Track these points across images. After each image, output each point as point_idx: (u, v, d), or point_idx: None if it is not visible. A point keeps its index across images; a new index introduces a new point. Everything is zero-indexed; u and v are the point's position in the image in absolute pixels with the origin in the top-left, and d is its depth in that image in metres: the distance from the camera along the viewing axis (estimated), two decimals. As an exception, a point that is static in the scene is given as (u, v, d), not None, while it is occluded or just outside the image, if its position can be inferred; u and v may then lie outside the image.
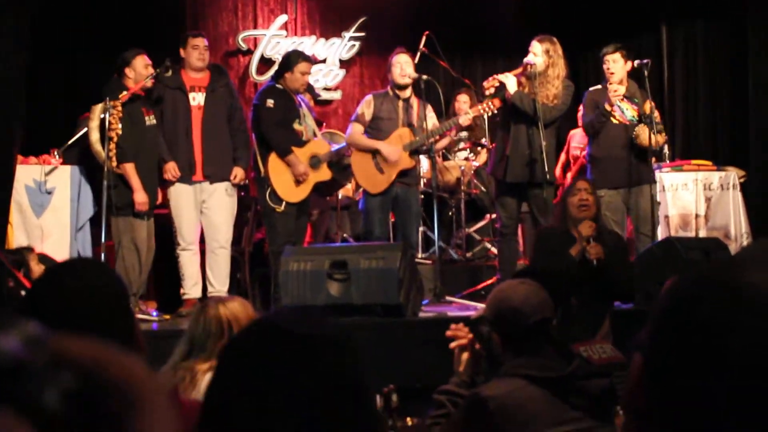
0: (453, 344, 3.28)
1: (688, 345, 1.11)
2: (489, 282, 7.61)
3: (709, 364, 1.08)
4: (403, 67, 7.29)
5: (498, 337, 3.06)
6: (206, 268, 7.13)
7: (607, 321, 5.34)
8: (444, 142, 7.63)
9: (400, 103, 7.34)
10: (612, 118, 7.24)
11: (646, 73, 7.29)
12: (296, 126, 7.21)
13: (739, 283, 1.12)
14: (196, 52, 7.17)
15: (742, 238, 8.19)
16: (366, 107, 7.38)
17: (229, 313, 3.24)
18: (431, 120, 7.40)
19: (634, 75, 7.42)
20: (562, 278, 5.03)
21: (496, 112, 7.19)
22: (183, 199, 7.03)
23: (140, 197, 6.78)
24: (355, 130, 7.36)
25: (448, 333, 3.25)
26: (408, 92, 7.39)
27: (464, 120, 7.23)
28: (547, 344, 3.03)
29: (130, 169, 6.78)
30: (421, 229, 8.54)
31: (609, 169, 7.24)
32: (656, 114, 7.42)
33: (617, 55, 7.32)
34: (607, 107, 7.14)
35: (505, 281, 3.36)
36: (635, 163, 7.22)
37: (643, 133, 7.17)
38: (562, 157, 9.04)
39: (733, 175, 8.41)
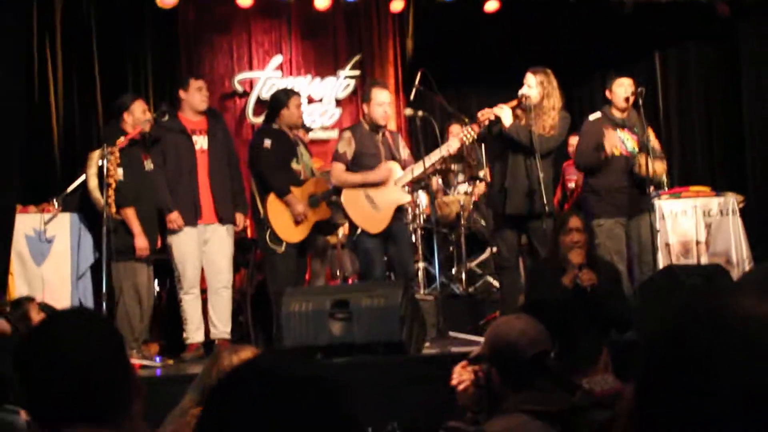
0: (454, 382, 3.26)
1: (677, 375, 1.11)
2: (492, 316, 7.58)
3: (698, 394, 1.08)
4: (386, 108, 7.26)
5: (497, 374, 3.05)
6: (209, 310, 7.11)
7: (606, 351, 5.29)
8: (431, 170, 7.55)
9: (379, 137, 7.31)
10: (615, 150, 7.22)
11: (641, 101, 7.31)
12: (294, 165, 7.22)
13: (727, 313, 1.12)
14: (200, 94, 7.18)
15: (743, 263, 8.18)
16: (346, 145, 7.25)
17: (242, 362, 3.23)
18: (405, 151, 7.39)
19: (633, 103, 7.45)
20: (558, 309, 5.02)
21: (477, 136, 7.16)
22: (187, 243, 7.00)
23: (141, 242, 6.77)
24: (339, 169, 7.25)
25: (453, 382, 3.23)
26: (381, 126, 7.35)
27: (452, 147, 7.19)
28: (546, 377, 3.02)
29: (130, 214, 6.78)
30: (422, 264, 8.54)
31: (609, 199, 7.23)
32: (655, 141, 7.43)
33: (630, 81, 7.33)
34: (605, 154, 7.12)
35: (501, 317, 3.34)
36: (634, 193, 7.21)
37: (643, 162, 7.17)
38: (558, 191, 9.06)
39: (732, 200, 8.41)
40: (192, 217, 6.98)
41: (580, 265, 5.60)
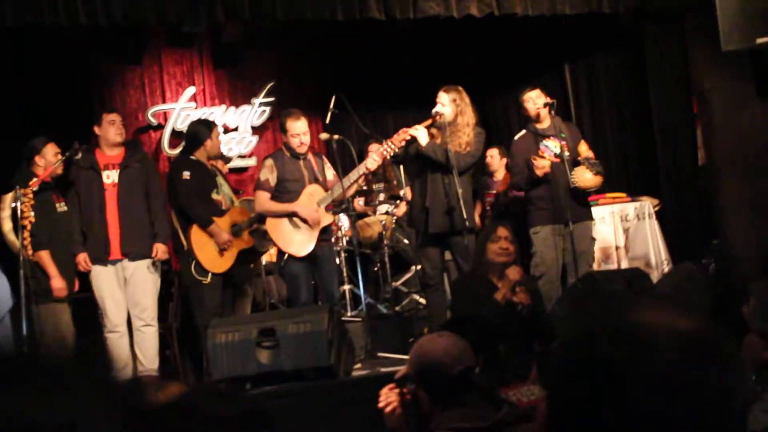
0: (381, 404, 3.26)
1: (585, 385, 1.13)
2: (420, 335, 7.61)
3: (605, 403, 1.11)
4: (301, 137, 7.23)
5: (424, 393, 3.06)
6: (134, 348, 7.01)
7: (534, 364, 5.35)
8: (352, 190, 7.55)
9: (302, 162, 7.30)
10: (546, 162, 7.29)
11: (552, 112, 7.43)
12: (214, 196, 7.18)
13: (631, 324, 1.14)
14: (113, 127, 7.08)
15: (662, 265, 8.34)
16: (269, 172, 7.26)
17: (169, 399, 3.20)
18: (329, 171, 7.40)
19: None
20: (485, 325, 5.06)
21: (398, 150, 7.20)
22: (104, 280, 6.91)
23: (57, 283, 6.67)
24: (263, 197, 7.26)
25: (380, 405, 3.22)
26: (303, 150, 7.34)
27: (371, 164, 7.21)
28: (473, 393, 3.04)
29: (45, 257, 6.68)
30: (347, 287, 8.54)
31: (544, 207, 7.31)
32: (589, 152, 7.53)
33: (538, 92, 7.45)
34: (538, 175, 7.22)
35: (422, 336, 3.36)
36: (571, 200, 7.27)
37: (580, 175, 7.26)
38: (478, 206, 9.14)
39: (648, 204, 8.59)
40: (102, 254, 6.89)
41: (516, 283, 5.65)
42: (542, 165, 7.19)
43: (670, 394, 1.08)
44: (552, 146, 7.38)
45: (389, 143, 7.12)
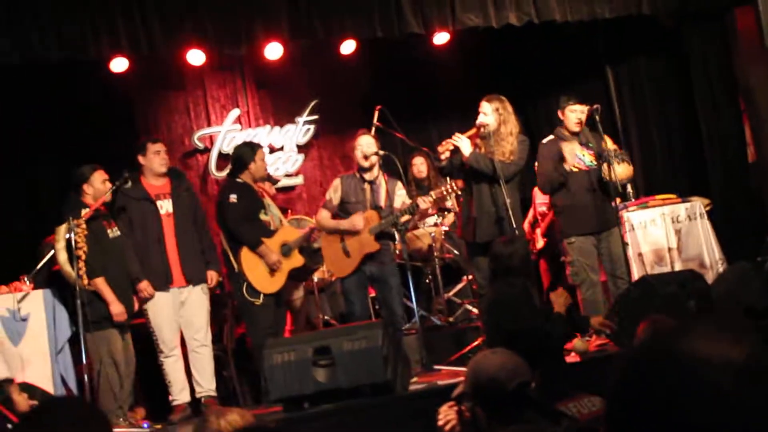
0: (440, 423, 3.26)
1: (638, 418, 1.14)
2: (474, 344, 7.59)
3: None
4: (363, 150, 7.32)
5: (481, 411, 3.06)
6: (191, 369, 7.08)
7: None
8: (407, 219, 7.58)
9: (366, 186, 7.37)
10: (573, 168, 7.31)
11: (597, 117, 7.40)
12: (262, 217, 7.24)
13: (682, 355, 1.14)
14: (158, 157, 7.18)
15: (717, 265, 8.25)
16: (333, 192, 7.45)
17: (230, 426, 3.25)
18: (400, 197, 7.42)
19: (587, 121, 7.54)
20: (536, 337, 5.05)
21: (459, 193, 7.26)
22: (162, 308, 7.00)
23: (116, 309, 6.74)
24: (323, 215, 7.44)
25: (440, 423, 3.23)
26: (375, 172, 7.41)
27: (423, 203, 7.25)
28: (530, 409, 3.03)
29: (101, 284, 6.75)
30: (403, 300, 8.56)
31: (576, 216, 7.32)
32: (614, 146, 7.52)
33: (583, 107, 7.46)
34: (567, 162, 7.22)
35: (477, 354, 3.36)
36: (601, 207, 7.30)
37: (606, 170, 7.25)
38: (530, 213, 9.12)
39: (699, 204, 8.49)
40: (163, 283, 6.98)
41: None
42: (572, 153, 7.16)
43: (725, 423, 1.08)
44: (581, 154, 7.38)
45: (448, 187, 7.16)
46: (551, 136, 7.60)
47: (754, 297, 7.21)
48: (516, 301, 5.79)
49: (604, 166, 7.27)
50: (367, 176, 7.38)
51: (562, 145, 7.38)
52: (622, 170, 7.34)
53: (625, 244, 7.53)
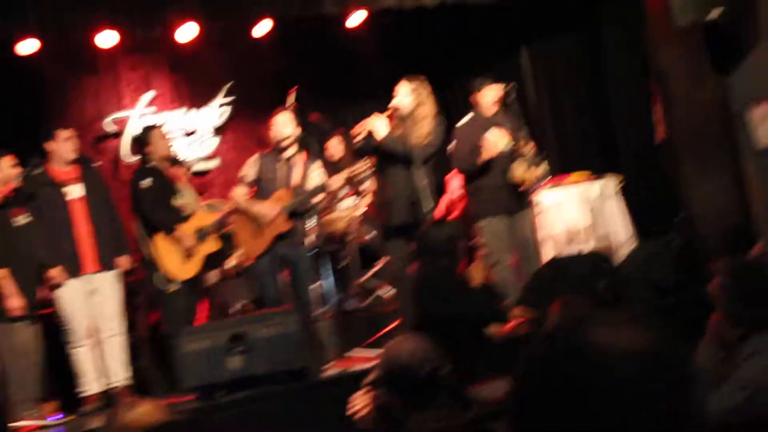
0: (356, 409, 3.25)
1: (542, 409, 1.14)
2: (391, 327, 7.61)
3: (568, 424, 1.11)
4: (279, 129, 7.24)
5: (394, 397, 3.06)
6: (104, 359, 6.96)
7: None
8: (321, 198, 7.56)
9: (282, 164, 7.29)
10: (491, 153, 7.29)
11: (513, 96, 7.43)
12: (176, 201, 7.14)
13: (586, 346, 1.15)
14: (69, 143, 6.98)
15: (628, 243, 8.38)
16: (248, 168, 7.31)
17: (142, 417, 3.20)
18: (318, 176, 7.36)
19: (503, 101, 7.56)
20: (462, 320, 5.10)
21: (370, 172, 7.24)
22: (73, 296, 6.84)
23: (13, 302, 6.54)
24: (239, 192, 7.30)
25: (352, 410, 3.23)
26: (291, 151, 7.31)
27: (335, 182, 7.23)
28: (443, 393, 3.04)
29: (2, 275, 6.57)
30: (315, 284, 8.52)
31: (488, 198, 7.32)
32: (530, 146, 7.51)
33: (495, 85, 7.45)
34: (480, 159, 7.21)
35: (389, 341, 3.36)
36: (513, 189, 7.31)
37: (517, 170, 7.26)
38: (445, 197, 9.15)
39: (612, 181, 8.60)
40: (74, 270, 6.83)
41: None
42: (490, 147, 7.16)
43: (630, 411, 1.10)
44: (497, 136, 7.37)
45: (359, 166, 7.14)
46: (468, 117, 7.58)
47: (662, 275, 7.40)
48: (442, 282, 5.82)
49: (515, 165, 7.27)
50: (284, 155, 7.30)
51: (481, 134, 7.34)
52: (531, 175, 7.35)
53: (535, 225, 7.59)
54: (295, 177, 7.27)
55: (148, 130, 7.38)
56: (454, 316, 5.26)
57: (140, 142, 7.23)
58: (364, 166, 7.19)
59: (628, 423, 1.10)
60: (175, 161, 7.47)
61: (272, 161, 7.28)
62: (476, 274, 5.76)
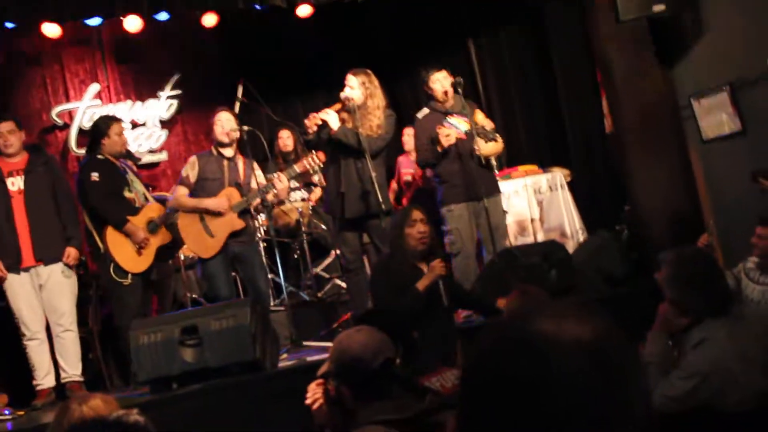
0: (308, 401, 3.27)
1: (495, 402, 1.15)
2: (344, 318, 7.65)
3: (517, 417, 1.13)
4: (224, 125, 7.23)
5: (347, 388, 3.07)
6: (56, 354, 6.90)
7: (459, 346, 5.40)
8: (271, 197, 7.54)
9: (225, 163, 7.28)
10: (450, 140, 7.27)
11: (460, 90, 7.46)
12: (127, 194, 7.09)
13: (531, 339, 1.17)
14: (10, 136, 6.91)
15: (577, 235, 8.48)
16: (190, 169, 7.29)
17: (92, 412, 3.19)
18: (259, 177, 7.37)
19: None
20: (403, 314, 5.11)
21: (321, 166, 7.25)
22: (17, 288, 6.78)
23: None
24: (180, 192, 7.28)
25: (308, 401, 3.24)
26: (232, 151, 7.33)
27: (280, 183, 7.22)
28: (395, 385, 3.06)
29: None
30: (268, 276, 8.53)
31: (457, 184, 7.31)
32: (486, 121, 7.55)
33: (444, 73, 7.45)
34: (441, 146, 7.21)
35: (341, 333, 3.37)
36: (481, 175, 7.29)
37: (481, 145, 7.27)
38: (393, 185, 9.18)
39: (560, 175, 8.71)
40: (16, 262, 6.76)
41: (440, 277, 5.68)
42: (447, 133, 7.18)
43: (576, 402, 1.11)
44: (457, 123, 7.39)
45: (310, 159, 7.16)
46: (425, 110, 7.58)
47: (612, 265, 7.50)
48: (388, 275, 5.84)
49: (477, 141, 7.28)
50: (226, 153, 7.29)
51: (437, 123, 7.34)
52: (489, 148, 7.36)
53: (505, 212, 7.61)
54: (240, 175, 7.27)
55: (109, 121, 7.26)
56: (400, 309, 5.29)
57: (96, 133, 7.11)
58: (312, 160, 7.20)
59: (574, 415, 1.11)
60: (121, 154, 7.38)
61: (214, 160, 7.27)
62: (435, 268, 5.74)
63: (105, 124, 7.19)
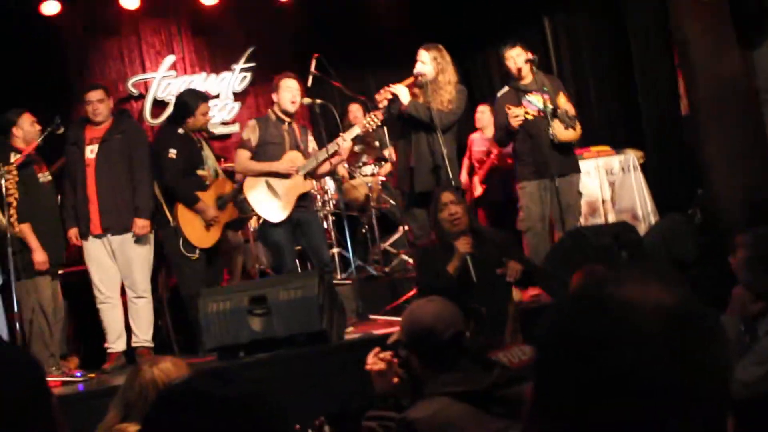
0: (368, 367, 3.27)
1: (572, 364, 1.14)
2: (410, 294, 7.63)
3: (590, 382, 1.12)
4: (294, 94, 7.22)
5: (416, 358, 3.08)
6: (128, 319, 7.02)
7: (510, 321, 5.31)
8: (337, 160, 7.52)
9: (286, 127, 7.27)
10: (526, 115, 7.21)
11: (534, 67, 7.39)
12: (200, 172, 7.12)
13: (611, 302, 1.15)
14: (90, 107, 6.95)
15: (649, 217, 8.38)
16: (251, 132, 7.21)
17: (163, 375, 3.24)
18: (311, 144, 7.38)
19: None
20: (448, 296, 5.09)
21: (380, 123, 7.22)
22: (91, 252, 6.90)
23: (38, 257, 6.63)
24: (244, 156, 7.21)
25: (367, 367, 3.24)
26: (289, 118, 7.33)
27: (344, 142, 7.22)
28: (464, 357, 3.06)
29: (26, 230, 6.62)
30: (336, 250, 8.56)
31: (528, 162, 7.27)
32: (568, 105, 7.44)
33: (518, 49, 7.38)
34: (513, 126, 7.16)
35: (414, 302, 3.37)
36: (557, 153, 7.22)
37: (557, 129, 7.20)
38: (466, 162, 9.14)
39: (632, 157, 8.59)
40: (87, 229, 6.88)
41: (465, 255, 5.69)
42: (516, 114, 7.13)
43: (655, 367, 1.10)
44: (535, 101, 7.30)
45: (373, 115, 7.13)
46: (505, 88, 7.52)
47: (683, 249, 7.39)
48: (429, 259, 5.87)
49: (554, 124, 7.19)
50: (286, 119, 7.28)
51: (507, 104, 7.28)
52: (567, 135, 7.26)
53: (580, 193, 7.53)
54: (298, 140, 7.26)
55: (198, 100, 7.26)
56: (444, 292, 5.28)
57: (183, 109, 7.14)
58: (373, 119, 7.17)
59: (655, 379, 1.09)
60: (201, 130, 7.41)
61: (275, 125, 7.24)
62: (460, 249, 5.75)
63: (194, 102, 7.20)
